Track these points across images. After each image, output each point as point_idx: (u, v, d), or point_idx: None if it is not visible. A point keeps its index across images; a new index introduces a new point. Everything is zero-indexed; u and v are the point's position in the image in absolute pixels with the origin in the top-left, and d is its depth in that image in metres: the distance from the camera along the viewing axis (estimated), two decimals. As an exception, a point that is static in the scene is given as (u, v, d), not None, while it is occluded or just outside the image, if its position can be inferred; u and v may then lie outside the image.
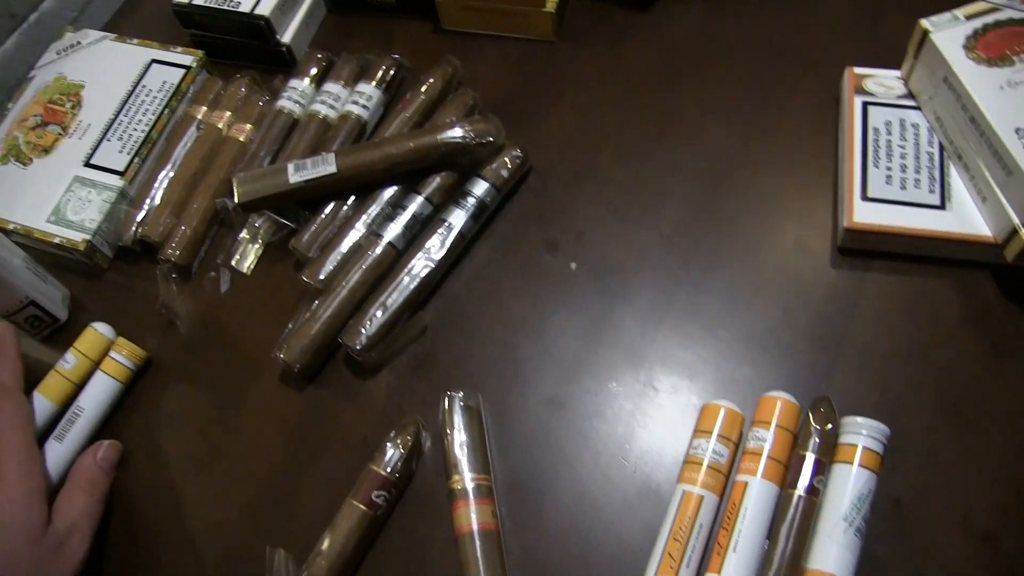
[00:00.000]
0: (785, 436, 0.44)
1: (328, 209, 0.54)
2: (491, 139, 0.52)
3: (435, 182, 0.53)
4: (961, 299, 0.49)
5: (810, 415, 0.44)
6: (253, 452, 0.50)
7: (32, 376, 0.51)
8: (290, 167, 0.53)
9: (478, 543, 0.42)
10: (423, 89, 0.58)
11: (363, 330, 0.49)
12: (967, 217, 0.49)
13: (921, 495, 0.43)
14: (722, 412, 0.45)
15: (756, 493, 0.42)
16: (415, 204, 0.53)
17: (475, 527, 0.43)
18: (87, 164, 0.60)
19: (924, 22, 0.50)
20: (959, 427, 0.45)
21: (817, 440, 0.43)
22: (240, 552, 0.47)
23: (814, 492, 0.42)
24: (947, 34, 0.49)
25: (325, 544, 0.43)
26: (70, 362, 0.52)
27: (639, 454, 0.46)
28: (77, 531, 0.45)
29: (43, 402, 0.51)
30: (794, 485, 0.42)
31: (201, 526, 0.48)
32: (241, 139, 0.60)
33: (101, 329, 0.54)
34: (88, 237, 0.57)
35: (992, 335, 0.48)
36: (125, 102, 0.63)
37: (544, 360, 0.50)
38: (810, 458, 0.43)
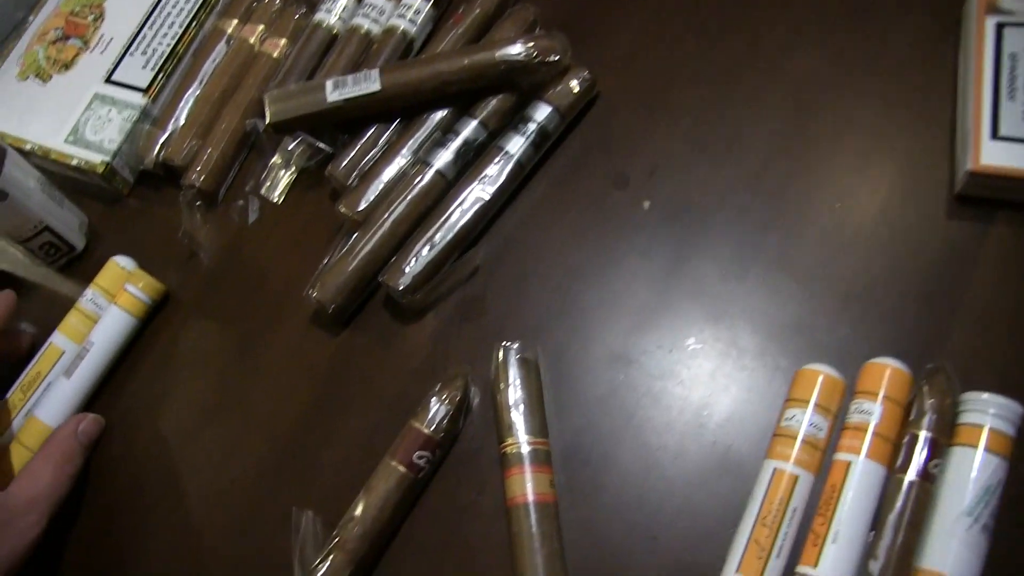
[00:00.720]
0: (895, 410, 0.37)
1: (370, 133, 0.48)
2: (556, 58, 0.46)
3: (491, 105, 0.47)
4: (1103, 259, 0.42)
5: (924, 387, 0.38)
6: (276, 401, 0.45)
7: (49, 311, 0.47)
8: (328, 84, 0.47)
9: (533, 516, 0.37)
10: (478, 2, 0.51)
11: (406, 269, 0.43)
12: (1120, 162, 0.41)
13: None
14: (820, 379, 0.38)
15: (860, 475, 0.36)
16: (468, 129, 0.46)
17: (530, 497, 0.37)
18: (108, 80, 0.55)
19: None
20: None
21: (933, 416, 0.37)
22: (256, 512, 0.43)
23: (928, 478, 0.36)
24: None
25: (359, 508, 0.38)
26: (98, 303, 0.48)
27: (719, 422, 0.40)
28: (35, 509, 0.41)
29: (65, 342, 0.47)
30: (904, 469, 0.36)
31: (214, 481, 0.44)
32: (275, 55, 0.54)
33: (123, 263, 0.49)
34: (107, 159, 0.52)
35: None
36: (150, 14, 0.57)
37: (610, 310, 0.44)
38: (924, 437, 0.37)
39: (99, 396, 0.48)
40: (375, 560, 0.40)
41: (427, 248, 0.44)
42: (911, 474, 0.36)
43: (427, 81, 0.46)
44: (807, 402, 0.38)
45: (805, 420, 0.38)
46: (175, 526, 0.44)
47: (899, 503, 0.36)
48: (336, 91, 0.47)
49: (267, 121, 0.48)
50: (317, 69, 0.52)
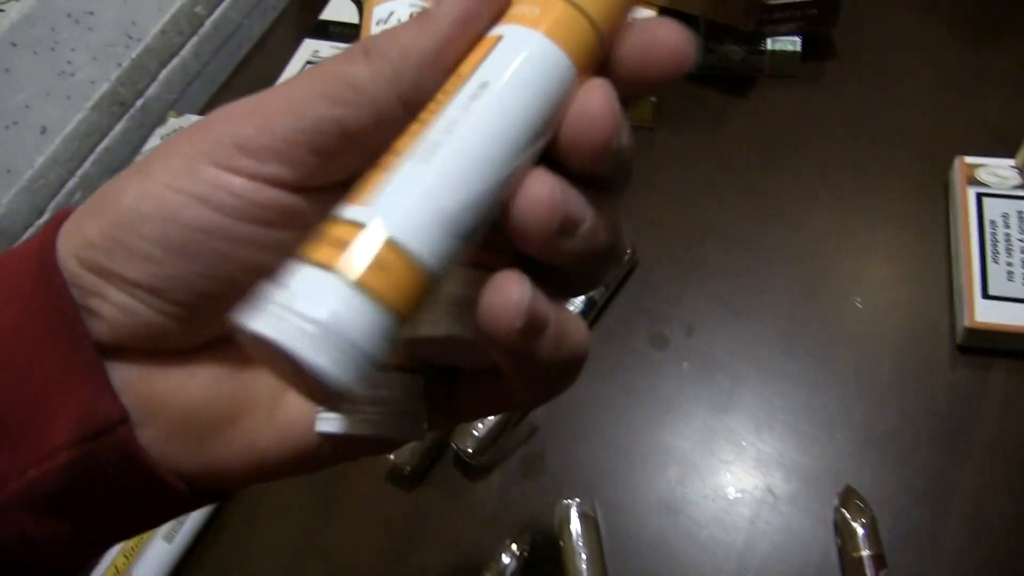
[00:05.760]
0: None
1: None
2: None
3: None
4: (1092, 398, 0.47)
5: (842, 511, 0.44)
6: (355, 550, 0.49)
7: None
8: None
9: None
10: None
11: (475, 432, 0.48)
12: (1096, 314, 0.47)
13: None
14: None
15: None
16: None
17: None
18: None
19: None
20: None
21: (864, 533, 0.43)
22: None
23: None
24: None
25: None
26: None
27: (759, 566, 0.45)
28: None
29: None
30: None
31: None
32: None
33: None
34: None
35: None
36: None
37: (656, 462, 0.49)
38: (865, 556, 0.42)
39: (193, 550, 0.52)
40: None
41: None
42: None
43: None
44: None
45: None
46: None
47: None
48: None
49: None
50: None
